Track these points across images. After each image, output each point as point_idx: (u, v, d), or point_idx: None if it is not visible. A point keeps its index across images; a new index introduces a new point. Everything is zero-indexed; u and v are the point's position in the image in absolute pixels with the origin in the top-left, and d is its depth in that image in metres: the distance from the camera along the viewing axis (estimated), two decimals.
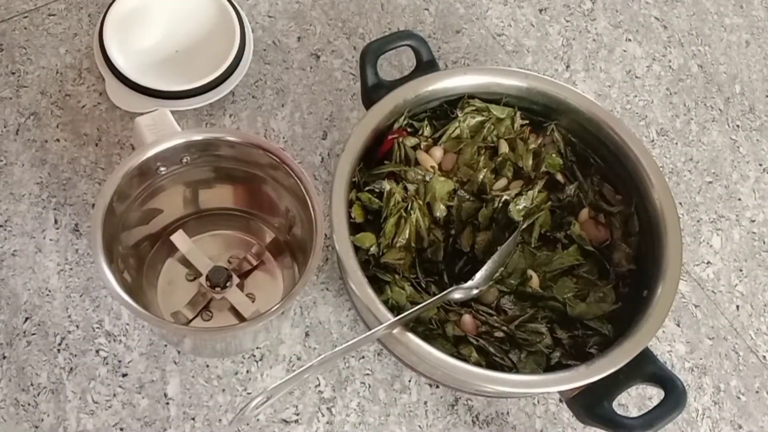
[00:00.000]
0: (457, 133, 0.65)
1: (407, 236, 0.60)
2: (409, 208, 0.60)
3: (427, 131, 0.65)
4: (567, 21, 0.83)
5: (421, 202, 0.61)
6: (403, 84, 0.63)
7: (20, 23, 0.74)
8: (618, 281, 0.62)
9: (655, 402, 0.55)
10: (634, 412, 0.63)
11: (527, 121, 0.66)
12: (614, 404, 0.54)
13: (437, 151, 0.64)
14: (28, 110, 0.70)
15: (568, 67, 0.80)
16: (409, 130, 0.65)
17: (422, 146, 0.64)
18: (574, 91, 0.65)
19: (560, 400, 0.62)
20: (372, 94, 0.63)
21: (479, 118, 0.65)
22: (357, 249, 0.58)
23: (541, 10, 0.83)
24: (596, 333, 0.59)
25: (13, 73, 0.71)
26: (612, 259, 0.62)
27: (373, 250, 0.59)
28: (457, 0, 0.82)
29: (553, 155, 0.65)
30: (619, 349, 0.54)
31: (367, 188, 0.61)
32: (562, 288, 0.60)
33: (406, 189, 0.61)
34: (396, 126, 0.64)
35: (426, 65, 0.66)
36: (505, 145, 0.65)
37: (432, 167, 0.63)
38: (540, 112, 0.66)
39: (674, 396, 0.53)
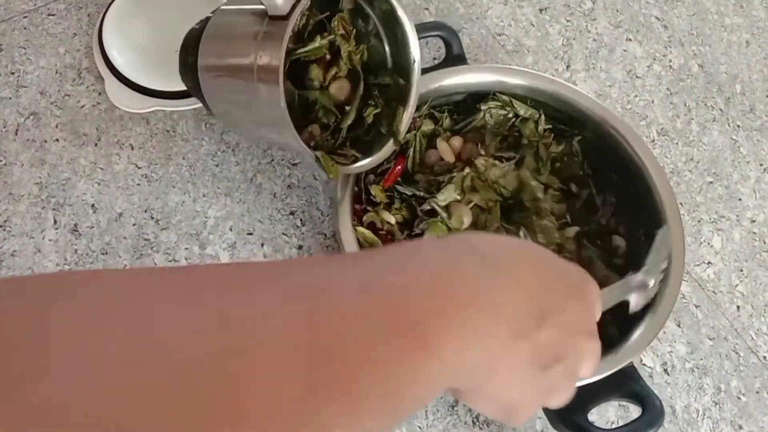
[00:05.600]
0: (481, 123, 0.65)
1: None
2: None
3: (446, 123, 0.65)
4: (567, 21, 0.83)
5: None
6: (427, 73, 0.64)
7: (20, 23, 0.73)
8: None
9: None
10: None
11: (551, 126, 0.66)
12: (593, 414, 0.54)
13: (456, 141, 0.64)
14: (28, 110, 0.69)
15: (568, 66, 0.80)
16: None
17: (442, 136, 0.65)
18: (597, 102, 0.65)
19: None
20: None
21: (502, 112, 0.65)
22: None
23: (541, 10, 0.83)
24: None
25: (13, 73, 0.71)
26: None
27: None
28: (457, 0, 0.82)
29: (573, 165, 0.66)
30: (600, 360, 0.54)
31: None
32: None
33: None
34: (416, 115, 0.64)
35: (455, 58, 0.66)
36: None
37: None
38: (563, 120, 0.66)
39: (650, 415, 0.53)
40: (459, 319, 0.27)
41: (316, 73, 0.56)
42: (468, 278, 0.28)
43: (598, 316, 0.37)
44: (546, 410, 0.55)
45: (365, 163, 0.58)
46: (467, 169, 0.61)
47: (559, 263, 0.35)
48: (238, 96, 0.53)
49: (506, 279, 0.30)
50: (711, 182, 0.76)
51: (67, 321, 0.21)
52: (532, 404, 0.33)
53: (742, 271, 0.72)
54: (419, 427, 0.61)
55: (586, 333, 0.34)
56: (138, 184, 0.67)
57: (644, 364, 0.66)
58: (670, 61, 0.82)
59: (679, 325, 0.68)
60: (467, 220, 0.60)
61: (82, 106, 0.70)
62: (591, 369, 0.36)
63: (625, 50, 0.82)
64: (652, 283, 0.56)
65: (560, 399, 0.35)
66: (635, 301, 0.55)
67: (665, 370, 0.66)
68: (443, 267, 0.28)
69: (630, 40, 0.83)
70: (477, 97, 0.66)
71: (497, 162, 0.63)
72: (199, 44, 0.55)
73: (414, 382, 0.25)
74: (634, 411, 0.55)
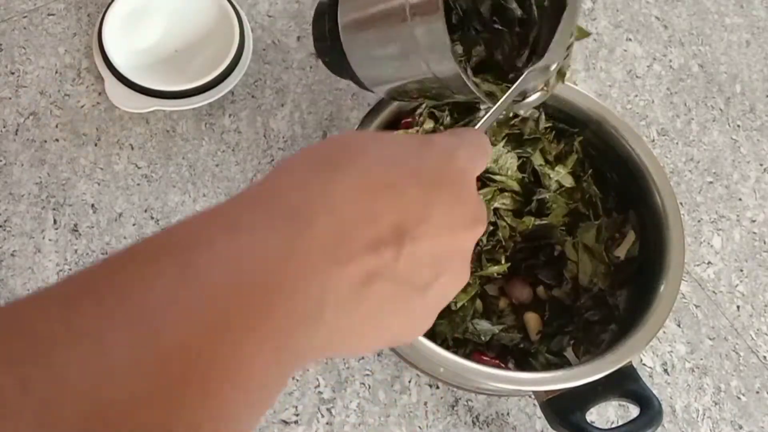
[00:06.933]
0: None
1: None
2: None
3: (447, 121, 0.65)
4: None
5: None
6: None
7: (19, 23, 0.73)
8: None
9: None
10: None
11: (551, 125, 0.66)
12: (592, 414, 0.54)
13: None
14: (28, 110, 0.69)
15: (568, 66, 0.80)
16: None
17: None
18: (597, 102, 0.65)
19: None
20: None
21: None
22: None
23: None
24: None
25: (13, 73, 0.71)
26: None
27: None
28: None
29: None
30: (600, 360, 0.54)
31: None
32: None
33: None
34: (416, 113, 0.64)
35: None
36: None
37: None
38: (563, 119, 0.66)
39: (649, 414, 0.53)
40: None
41: None
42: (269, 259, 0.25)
43: (483, 165, 0.34)
44: (545, 410, 0.55)
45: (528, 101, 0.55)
46: None
47: (406, 153, 0.29)
48: (389, 47, 0.50)
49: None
50: (711, 182, 0.76)
51: None
52: (417, 331, 0.31)
53: (742, 271, 0.72)
54: (419, 427, 0.61)
55: (460, 230, 0.29)
56: (138, 184, 0.68)
57: (644, 364, 0.66)
58: (670, 60, 0.82)
59: (679, 325, 0.68)
60: None
61: (82, 106, 0.70)
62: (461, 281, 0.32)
63: (625, 50, 0.82)
64: (554, 65, 0.54)
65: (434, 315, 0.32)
66: (533, 86, 0.53)
67: (665, 370, 0.66)
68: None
69: (630, 39, 0.83)
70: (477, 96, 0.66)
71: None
72: (336, 7, 0.53)
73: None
74: (634, 411, 0.55)
